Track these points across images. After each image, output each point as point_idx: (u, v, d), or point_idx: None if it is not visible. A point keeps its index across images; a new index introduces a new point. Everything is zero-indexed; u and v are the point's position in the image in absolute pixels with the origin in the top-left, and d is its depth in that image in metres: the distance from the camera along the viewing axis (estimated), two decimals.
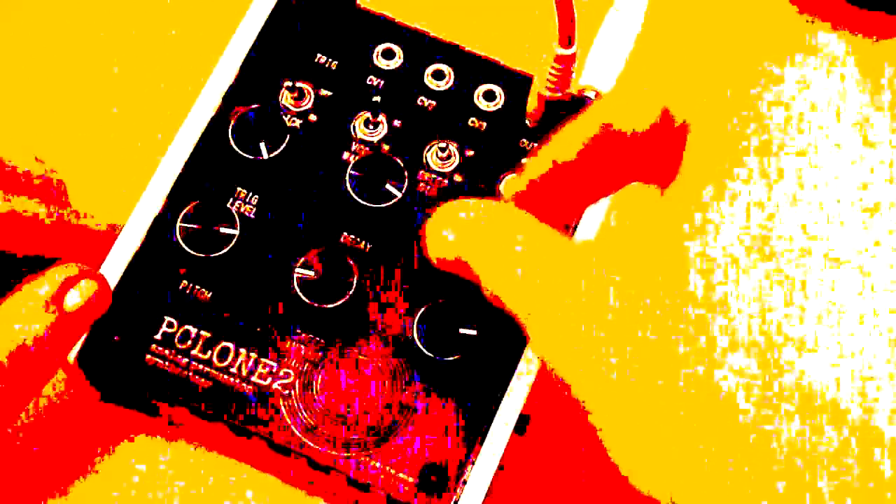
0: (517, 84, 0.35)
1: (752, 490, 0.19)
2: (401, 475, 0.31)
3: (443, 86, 0.35)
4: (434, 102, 0.35)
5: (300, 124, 0.35)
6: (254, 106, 0.34)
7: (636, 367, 0.21)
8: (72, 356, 0.31)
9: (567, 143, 0.27)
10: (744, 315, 0.20)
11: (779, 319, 0.20)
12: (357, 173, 0.34)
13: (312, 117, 0.35)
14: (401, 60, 0.36)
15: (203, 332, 0.32)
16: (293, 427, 0.31)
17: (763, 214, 0.21)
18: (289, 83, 0.35)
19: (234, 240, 0.33)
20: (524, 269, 0.24)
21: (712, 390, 0.20)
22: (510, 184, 0.30)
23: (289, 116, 0.35)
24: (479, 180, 0.34)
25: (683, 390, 0.20)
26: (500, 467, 0.31)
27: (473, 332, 0.32)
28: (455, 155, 0.35)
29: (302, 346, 0.32)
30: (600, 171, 0.27)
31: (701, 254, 0.21)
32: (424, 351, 0.32)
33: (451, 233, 0.27)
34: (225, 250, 0.33)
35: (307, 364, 0.32)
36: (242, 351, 0.32)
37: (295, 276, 0.32)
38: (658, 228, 0.22)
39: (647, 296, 0.21)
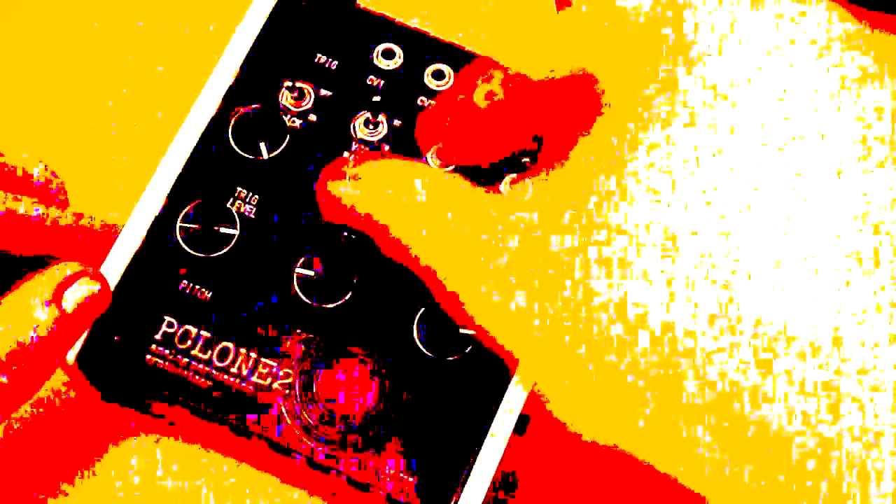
0: None
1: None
2: (401, 475, 0.31)
3: (443, 86, 0.35)
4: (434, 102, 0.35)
5: (300, 124, 0.35)
6: (254, 106, 0.34)
7: (560, 312, 0.22)
8: (72, 356, 0.31)
9: (482, 88, 0.28)
10: (649, 237, 0.20)
11: (696, 246, 0.20)
12: None
13: (312, 117, 0.35)
14: (401, 60, 0.36)
15: (203, 332, 0.32)
16: (293, 427, 0.31)
17: (679, 147, 0.21)
18: (289, 83, 0.35)
19: (234, 240, 0.33)
20: (451, 229, 0.25)
21: (619, 317, 0.20)
22: (424, 123, 0.30)
23: (289, 116, 0.35)
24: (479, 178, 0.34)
25: (593, 318, 0.21)
26: (501, 467, 0.31)
27: (474, 332, 0.32)
28: None
29: (302, 346, 0.32)
30: (513, 118, 0.28)
31: (619, 194, 0.21)
32: (424, 351, 0.32)
33: (365, 188, 0.28)
34: (225, 250, 0.33)
35: (307, 364, 0.32)
36: (242, 351, 0.32)
37: (295, 276, 0.32)
38: (578, 174, 0.22)
39: (565, 242, 0.22)
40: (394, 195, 0.27)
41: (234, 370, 0.32)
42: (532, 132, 0.29)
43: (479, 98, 0.28)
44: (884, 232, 0.20)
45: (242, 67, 0.35)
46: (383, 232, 0.27)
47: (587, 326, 0.21)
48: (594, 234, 0.21)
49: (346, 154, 0.34)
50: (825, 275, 0.19)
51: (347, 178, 0.29)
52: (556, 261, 0.22)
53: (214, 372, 0.32)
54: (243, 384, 0.32)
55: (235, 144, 0.34)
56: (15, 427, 0.34)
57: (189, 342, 0.32)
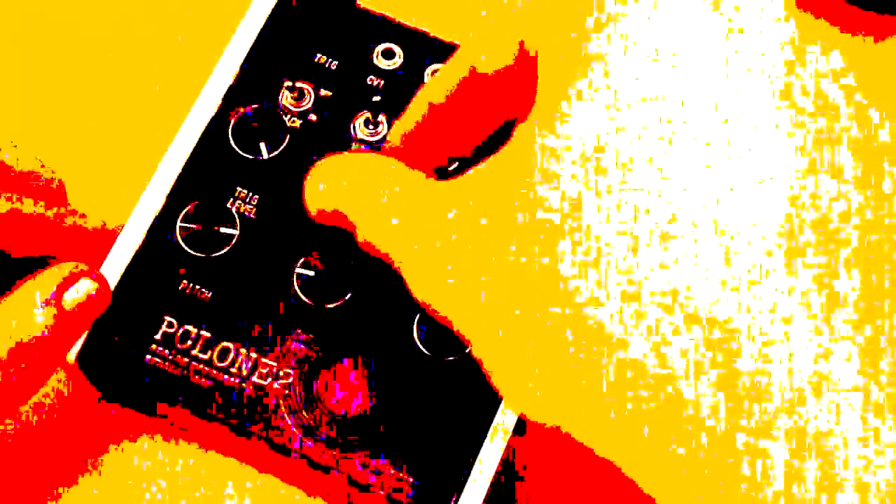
0: None
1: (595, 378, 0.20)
2: (401, 475, 0.31)
3: None
4: None
5: (300, 124, 0.35)
6: (254, 106, 0.34)
7: (497, 287, 0.22)
8: (72, 356, 0.31)
9: (438, 86, 0.28)
10: (593, 225, 0.21)
11: (629, 227, 0.20)
12: None
13: (312, 117, 0.35)
14: (401, 60, 0.36)
15: (203, 332, 0.32)
16: (293, 427, 0.31)
17: (605, 125, 0.21)
18: (289, 83, 0.35)
19: (234, 240, 0.33)
20: (395, 216, 0.25)
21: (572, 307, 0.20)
22: (395, 129, 0.30)
23: (289, 116, 0.35)
24: None
25: (539, 304, 0.21)
26: (501, 467, 0.31)
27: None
28: None
29: (302, 346, 0.32)
30: (472, 110, 0.28)
31: (547, 171, 0.21)
32: (424, 351, 0.32)
33: (327, 185, 0.28)
34: (225, 250, 0.33)
35: (307, 364, 0.32)
36: (242, 351, 0.32)
37: (295, 276, 0.32)
38: (511, 157, 0.23)
39: (499, 220, 0.22)
40: (344, 187, 0.28)
41: (234, 370, 0.32)
42: (492, 126, 0.29)
43: (437, 98, 0.28)
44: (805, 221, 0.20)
45: (242, 67, 0.35)
46: (350, 226, 0.27)
47: (509, 297, 0.22)
48: (511, 211, 0.22)
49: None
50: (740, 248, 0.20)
51: (311, 175, 0.30)
52: (478, 236, 0.23)
53: (214, 372, 0.32)
54: (243, 384, 0.32)
55: (235, 144, 0.34)
56: (15, 427, 0.34)
57: (189, 342, 0.32)
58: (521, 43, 0.25)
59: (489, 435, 0.31)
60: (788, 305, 0.19)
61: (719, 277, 0.19)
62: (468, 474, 0.31)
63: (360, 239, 0.27)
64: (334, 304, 0.32)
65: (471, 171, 0.24)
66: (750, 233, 0.20)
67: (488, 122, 0.29)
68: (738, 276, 0.19)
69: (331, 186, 0.28)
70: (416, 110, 0.30)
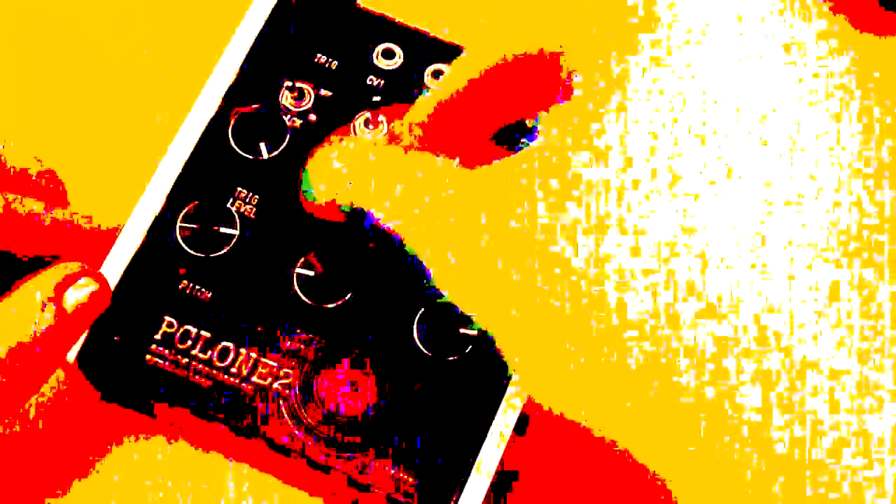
0: None
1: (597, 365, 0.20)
2: (401, 475, 0.31)
3: None
4: None
5: (300, 124, 0.35)
6: (254, 106, 0.34)
7: (521, 278, 0.22)
8: (72, 356, 0.31)
9: (456, 78, 0.28)
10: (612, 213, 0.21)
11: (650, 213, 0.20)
12: None
13: (312, 117, 0.35)
14: (401, 60, 0.36)
15: (203, 332, 0.32)
16: (293, 427, 0.31)
17: (635, 125, 0.21)
18: (289, 83, 0.35)
19: (234, 240, 0.33)
20: (417, 204, 0.25)
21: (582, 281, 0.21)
22: (408, 116, 0.30)
23: (289, 116, 0.35)
24: None
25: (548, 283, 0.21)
26: (501, 467, 0.31)
27: (473, 332, 0.32)
28: None
29: (302, 346, 0.32)
30: (488, 104, 0.28)
31: (572, 169, 0.22)
32: (424, 351, 0.32)
33: (338, 178, 0.28)
34: (225, 250, 0.33)
35: (307, 364, 0.32)
36: (242, 351, 0.32)
37: (295, 275, 0.32)
38: (537, 152, 0.23)
39: (522, 212, 0.22)
40: (368, 171, 0.28)
41: (234, 370, 0.32)
42: (510, 119, 0.29)
43: (455, 88, 0.28)
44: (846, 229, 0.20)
45: (242, 67, 0.35)
46: (340, 217, 0.27)
47: (531, 288, 0.22)
48: (535, 204, 0.22)
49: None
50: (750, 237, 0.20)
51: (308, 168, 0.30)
52: (501, 229, 0.23)
53: (214, 372, 0.32)
54: (243, 384, 0.32)
55: (235, 144, 0.34)
56: (15, 427, 0.34)
57: (189, 342, 0.32)
58: (545, 45, 0.25)
59: (489, 435, 0.31)
60: (803, 303, 0.19)
61: (739, 273, 0.20)
62: (468, 474, 0.31)
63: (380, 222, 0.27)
64: (334, 304, 0.32)
65: (497, 163, 0.24)
66: (777, 230, 0.20)
67: (506, 115, 0.29)
68: (754, 271, 0.20)
69: (343, 179, 0.28)
70: (431, 101, 0.29)
